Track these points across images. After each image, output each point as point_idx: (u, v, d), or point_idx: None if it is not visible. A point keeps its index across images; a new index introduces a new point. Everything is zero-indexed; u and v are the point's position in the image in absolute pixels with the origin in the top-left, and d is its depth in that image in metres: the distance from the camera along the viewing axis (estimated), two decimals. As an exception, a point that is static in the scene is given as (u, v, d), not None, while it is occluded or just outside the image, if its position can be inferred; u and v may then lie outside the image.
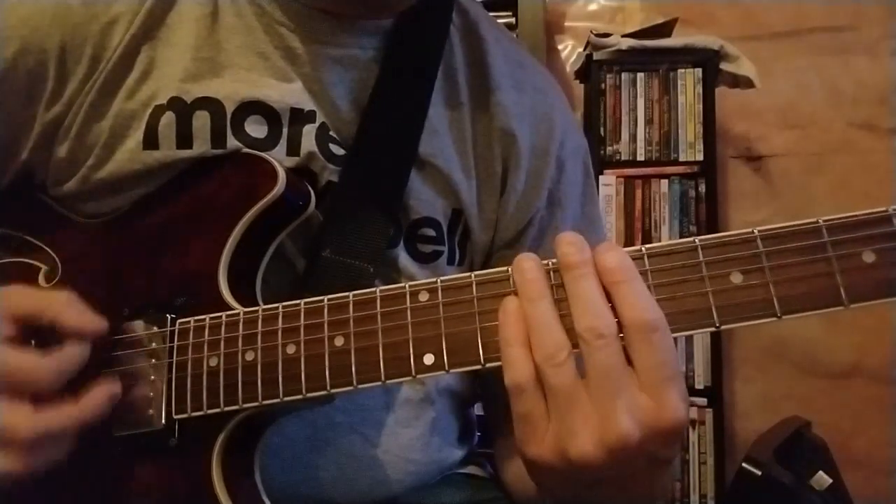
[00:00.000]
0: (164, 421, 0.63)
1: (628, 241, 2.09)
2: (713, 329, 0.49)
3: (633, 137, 2.11)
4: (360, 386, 0.55)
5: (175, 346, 0.63)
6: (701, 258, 0.49)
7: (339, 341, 0.57)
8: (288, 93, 0.72)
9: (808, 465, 1.89)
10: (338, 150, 0.73)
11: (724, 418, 2.08)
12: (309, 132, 0.72)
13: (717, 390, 2.04)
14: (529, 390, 0.49)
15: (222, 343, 0.61)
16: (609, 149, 2.11)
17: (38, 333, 0.62)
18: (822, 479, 1.86)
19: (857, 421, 2.21)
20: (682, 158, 2.08)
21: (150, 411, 0.63)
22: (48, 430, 0.58)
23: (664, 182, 2.08)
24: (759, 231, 0.49)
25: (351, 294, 0.58)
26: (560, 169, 0.82)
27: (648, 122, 2.10)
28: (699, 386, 2.04)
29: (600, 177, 2.08)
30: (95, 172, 0.71)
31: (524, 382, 0.49)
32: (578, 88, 2.28)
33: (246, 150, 0.70)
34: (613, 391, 0.48)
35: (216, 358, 0.61)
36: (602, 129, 2.10)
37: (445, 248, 0.78)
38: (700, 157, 2.07)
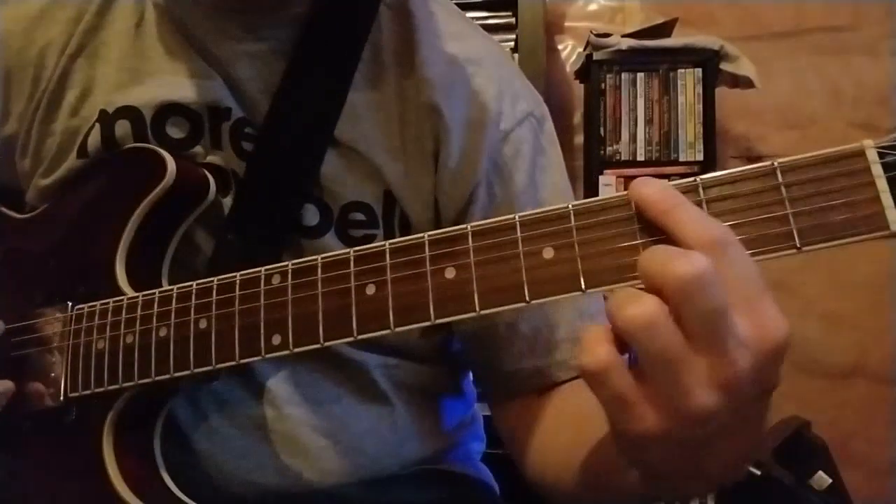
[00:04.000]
0: (61, 398, 0.67)
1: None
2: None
3: (633, 137, 2.09)
4: (218, 365, 0.58)
5: (72, 330, 0.68)
6: (518, 234, 0.49)
7: (202, 324, 0.60)
8: (208, 91, 0.74)
9: (808, 465, 1.85)
10: (249, 147, 0.75)
11: (725, 419, 2.04)
12: (226, 129, 0.74)
13: (717, 390, 2.01)
14: (617, 369, 0.44)
15: (108, 327, 0.65)
16: (609, 149, 2.09)
17: None
18: (822, 479, 1.83)
19: (857, 421, 2.16)
20: (682, 158, 2.06)
21: (52, 390, 0.68)
22: None
23: (664, 182, 2.06)
24: (572, 206, 0.48)
25: (215, 279, 0.60)
26: (504, 139, 0.78)
27: (648, 122, 2.08)
28: (699, 386, 2.01)
29: (600, 177, 2.07)
30: (43, 180, 0.78)
31: (607, 366, 0.44)
32: (578, 88, 2.27)
33: (136, 144, 0.73)
34: (723, 332, 0.41)
35: (103, 341, 0.65)
36: (602, 129, 2.09)
37: (380, 232, 0.76)
38: (700, 157, 2.04)
